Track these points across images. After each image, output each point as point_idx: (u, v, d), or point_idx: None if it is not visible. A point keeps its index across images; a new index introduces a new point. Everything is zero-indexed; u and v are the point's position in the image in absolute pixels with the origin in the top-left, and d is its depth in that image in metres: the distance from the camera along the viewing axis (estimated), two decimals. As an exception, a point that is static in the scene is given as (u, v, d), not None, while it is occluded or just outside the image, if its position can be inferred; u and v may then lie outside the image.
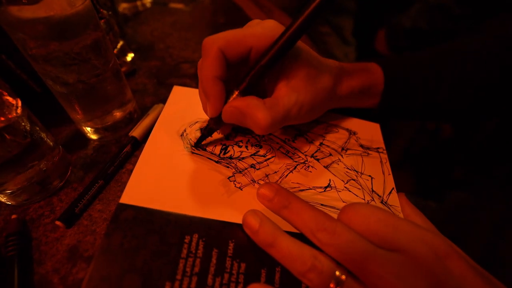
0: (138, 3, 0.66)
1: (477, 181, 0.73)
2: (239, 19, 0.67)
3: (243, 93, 0.27)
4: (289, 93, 0.28)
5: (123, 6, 0.64)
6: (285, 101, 0.27)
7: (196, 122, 0.33)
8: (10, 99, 0.26)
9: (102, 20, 0.42)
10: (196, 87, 0.32)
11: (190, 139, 0.31)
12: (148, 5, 0.68)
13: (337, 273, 0.21)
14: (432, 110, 0.41)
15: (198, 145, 0.31)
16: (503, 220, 0.61)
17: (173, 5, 0.70)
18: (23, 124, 0.27)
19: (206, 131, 0.30)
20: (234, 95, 0.27)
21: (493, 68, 0.40)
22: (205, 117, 0.33)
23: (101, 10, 0.42)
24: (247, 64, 0.28)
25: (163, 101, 0.41)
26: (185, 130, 0.32)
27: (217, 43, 0.26)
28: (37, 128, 0.29)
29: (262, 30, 0.27)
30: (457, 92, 0.39)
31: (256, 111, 0.25)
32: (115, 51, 0.46)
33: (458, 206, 0.72)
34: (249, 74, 0.26)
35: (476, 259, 0.24)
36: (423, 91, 0.39)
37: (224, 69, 0.26)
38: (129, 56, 0.48)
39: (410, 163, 0.86)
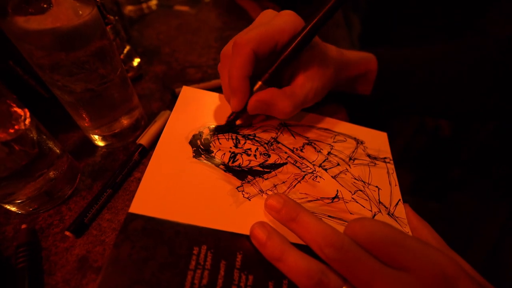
0: (144, 5, 0.66)
1: (477, 181, 0.73)
2: (244, 21, 0.67)
3: (266, 83, 0.30)
4: (306, 82, 0.31)
5: (128, 9, 0.64)
6: (304, 88, 0.31)
7: (205, 128, 0.33)
8: (18, 110, 0.26)
9: (109, 26, 0.42)
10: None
11: (199, 146, 0.31)
12: (154, 7, 0.68)
13: None
14: (422, 102, 0.45)
15: (225, 130, 0.33)
16: (504, 224, 0.61)
17: (179, 7, 0.70)
18: (31, 135, 0.27)
19: (232, 118, 0.32)
20: (257, 86, 0.30)
21: (486, 69, 0.44)
22: (212, 123, 0.33)
23: (108, 15, 0.42)
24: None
25: (170, 107, 0.41)
26: (193, 136, 0.31)
27: (250, 44, 0.27)
28: (45, 137, 0.29)
29: (285, 24, 0.29)
30: (446, 89, 0.44)
31: (279, 101, 0.29)
32: (122, 56, 0.46)
33: (459, 208, 0.72)
34: (272, 66, 0.29)
35: (478, 261, 0.24)
36: (413, 82, 0.43)
37: (253, 67, 0.29)
38: (136, 61, 0.48)
39: (409, 163, 0.86)
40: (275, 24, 0.29)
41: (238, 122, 0.34)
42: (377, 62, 0.42)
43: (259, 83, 0.30)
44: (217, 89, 0.37)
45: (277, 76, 0.30)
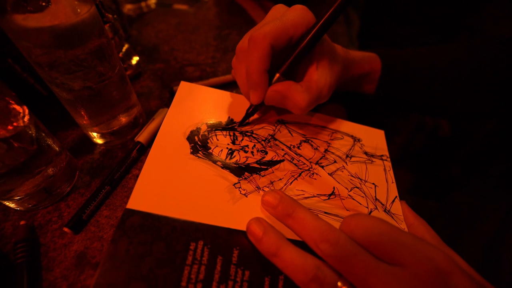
0: (143, 4, 0.66)
1: (475, 180, 0.73)
2: (242, 20, 0.67)
3: (284, 75, 0.30)
4: (320, 77, 0.31)
5: (127, 7, 0.65)
6: (319, 83, 0.31)
7: (203, 124, 0.33)
8: (17, 107, 0.26)
9: (107, 25, 0.42)
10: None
11: (197, 142, 0.31)
12: (153, 6, 0.68)
13: (339, 284, 0.21)
14: (425, 101, 0.46)
15: (243, 124, 0.34)
16: (503, 222, 0.61)
17: (177, 6, 0.70)
18: (30, 132, 0.27)
19: (250, 111, 0.33)
20: (276, 78, 0.30)
21: (488, 69, 0.44)
22: (210, 119, 0.33)
23: (106, 14, 0.42)
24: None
25: (168, 105, 0.41)
26: (191, 132, 0.32)
27: (267, 38, 0.28)
28: (43, 134, 0.29)
29: (299, 18, 0.29)
30: (449, 88, 0.44)
31: (295, 94, 0.29)
32: (121, 54, 0.46)
33: (458, 206, 0.72)
34: (289, 58, 0.30)
35: (477, 259, 0.24)
36: (416, 82, 0.44)
37: (270, 61, 0.29)
38: (134, 60, 0.48)
39: (408, 162, 0.86)
40: (289, 18, 0.29)
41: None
42: (380, 61, 0.43)
43: (277, 75, 0.30)
44: (216, 87, 0.37)
45: (293, 70, 0.31)
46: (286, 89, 0.29)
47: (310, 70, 0.31)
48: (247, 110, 0.33)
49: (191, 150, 0.30)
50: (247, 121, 0.34)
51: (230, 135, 0.33)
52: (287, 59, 0.30)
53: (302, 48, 0.29)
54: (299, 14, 0.29)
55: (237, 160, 0.31)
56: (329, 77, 0.31)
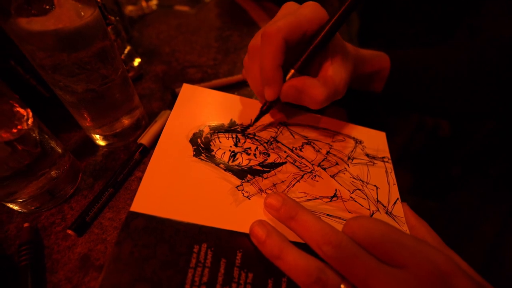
0: (144, 4, 0.66)
1: (476, 180, 0.74)
2: (243, 21, 0.67)
3: (299, 71, 0.30)
4: (336, 71, 0.30)
5: (129, 9, 0.65)
6: (335, 78, 0.30)
7: (205, 127, 0.33)
8: (21, 110, 0.27)
9: (110, 27, 0.42)
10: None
11: (200, 144, 0.31)
12: (154, 7, 0.68)
13: (342, 286, 0.21)
14: (425, 101, 0.47)
15: (255, 123, 0.35)
16: (503, 222, 0.61)
17: (178, 7, 0.70)
18: (33, 135, 0.27)
19: (265, 108, 0.33)
20: (290, 74, 0.30)
21: (488, 69, 0.45)
22: (213, 122, 0.33)
23: (109, 16, 0.42)
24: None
25: (170, 106, 0.41)
26: (194, 135, 0.32)
27: (281, 33, 0.27)
28: (47, 137, 0.29)
29: (312, 14, 0.29)
30: (449, 88, 0.45)
31: (312, 89, 0.29)
32: (123, 56, 0.46)
33: (459, 206, 0.72)
34: (304, 54, 0.29)
35: (477, 259, 0.24)
36: (417, 82, 0.45)
37: (284, 57, 0.29)
38: (136, 61, 0.48)
39: (408, 162, 0.86)
40: (302, 13, 0.29)
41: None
42: (390, 60, 0.43)
43: (292, 71, 0.30)
44: (218, 89, 0.37)
45: (308, 66, 0.30)
46: (302, 84, 0.29)
47: (324, 66, 0.31)
48: (261, 108, 0.33)
49: (194, 153, 0.30)
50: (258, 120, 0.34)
51: (232, 137, 0.33)
52: (302, 55, 0.29)
53: (318, 43, 0.28)
54: (312, 10, 0.29)
55: (239, 162, 0.31)
56: (344, 73, 0.31)
